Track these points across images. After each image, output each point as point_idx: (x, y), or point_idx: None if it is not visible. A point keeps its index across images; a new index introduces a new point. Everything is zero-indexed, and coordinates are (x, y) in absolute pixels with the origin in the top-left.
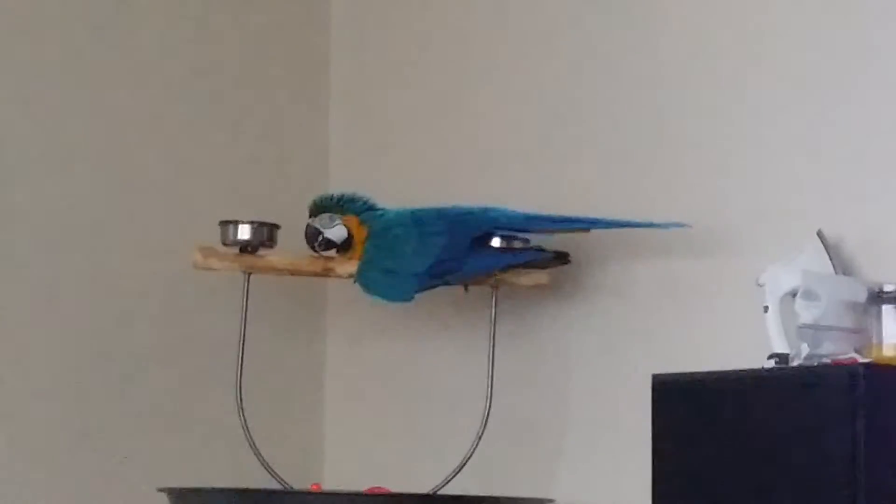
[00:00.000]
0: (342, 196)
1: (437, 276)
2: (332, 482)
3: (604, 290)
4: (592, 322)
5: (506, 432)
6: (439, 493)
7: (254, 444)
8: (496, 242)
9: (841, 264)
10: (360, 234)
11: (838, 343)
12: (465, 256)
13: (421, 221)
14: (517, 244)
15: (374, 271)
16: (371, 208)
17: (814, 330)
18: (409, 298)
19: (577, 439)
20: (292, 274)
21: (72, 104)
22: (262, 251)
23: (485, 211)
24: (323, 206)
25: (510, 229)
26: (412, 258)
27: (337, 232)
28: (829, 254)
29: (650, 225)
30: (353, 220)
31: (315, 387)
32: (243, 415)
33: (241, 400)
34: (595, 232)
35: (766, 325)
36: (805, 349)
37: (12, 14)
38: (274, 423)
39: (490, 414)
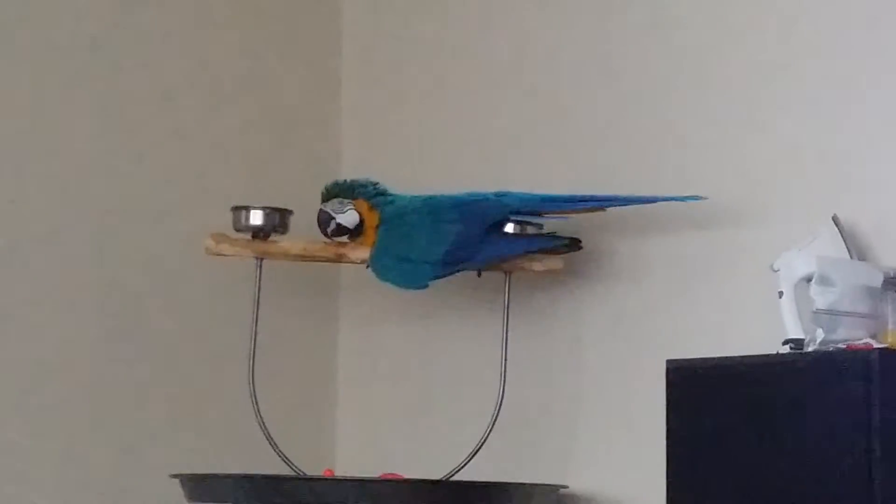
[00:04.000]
0: (352, 181)
1: (450, 263)
2: (345, 468)
3: (617, 276)
4: (606, 307)
5: (519, 418)
6: (452, 479)
7: (266, 429)
8: (510, 228)
9: (856, 249)
10: (371, 218)
11: (853, 328)
12: (479, 244)
13: (435, 209)
14: (530, 230)
15: (388, 258)
16: (381, 193)
17: (829, 315)
18: (423, 286)
19: (591, 425)
20: (305, 260)
21: (85, 91)
22: (274, 237)
23: (499, 197)
24: (333, 192)
25: (525, 213)
26: (426, 246)
27: (349, 217)
28: (844, 239)
29: (666, 199)
30: (363, 205)
31: (328, 373)
32: (256, 401)
33: (253, 386)
34: (608, 217)
35: (781, 311)
36: (820, 334)
37: (23, 2)
38: (286, 408)
39: (503, 400)
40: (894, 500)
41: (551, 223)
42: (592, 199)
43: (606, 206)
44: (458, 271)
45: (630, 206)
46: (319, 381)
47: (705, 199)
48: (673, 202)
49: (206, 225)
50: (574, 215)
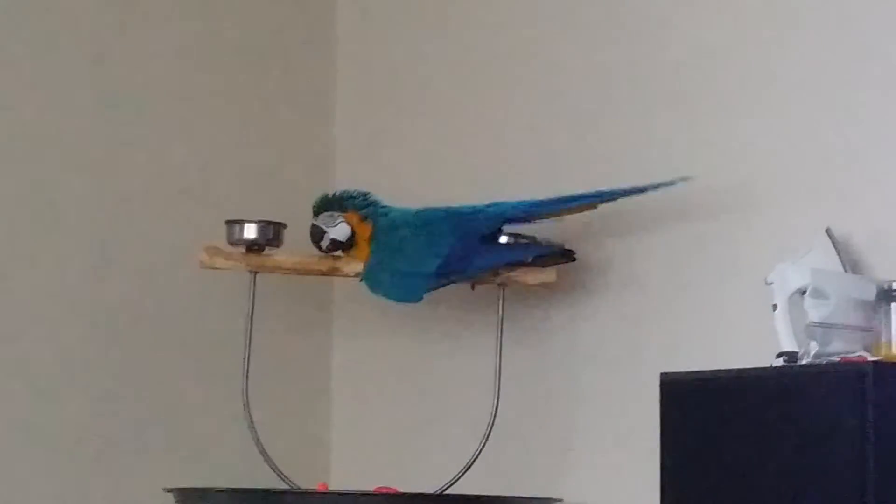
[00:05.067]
0: (341, 193)
1: (445, 276)
2: (339, 482)
3: (611, 289)
4: (600, 321)
5: (513, 431)
6: (447, 492)
7: (260, 443)
8: (503, 239)
9: (850, 262)
10: (363, 230)
11: (847, 341)
12: (473, 255)
13: (428, 222)
14: (523, 240)
15: (383, 272)
16: (371, 204)
17: (823, 328)
18: (417, 299)
19: (585, 438)
20: (299, 273)
21: (81, 103)
22: (268, 250)
23: (490, 207)
24: (323, 206)
25: (518, 220)
26: (421, 259)
27: (340, 230)
28: (837, 251)
29: (654, 187)
30: (353, 217)
31: (322, 386)
32: (250, 414)
33: (247, 399)
34: (601, 230)
35: (775, 324)
36: (814, 347)
37: (20, 12)
38: (280, 422)
39: (497, 413)
40: None
41: (545, 231)
42: (581, 197)
43: (597, 202)
44: (452, 282)
45: (624, 217)
46: (313, 394)
47: (691, 178)
48: (661, 201)
49: (199, 238)
50: (566, 217)
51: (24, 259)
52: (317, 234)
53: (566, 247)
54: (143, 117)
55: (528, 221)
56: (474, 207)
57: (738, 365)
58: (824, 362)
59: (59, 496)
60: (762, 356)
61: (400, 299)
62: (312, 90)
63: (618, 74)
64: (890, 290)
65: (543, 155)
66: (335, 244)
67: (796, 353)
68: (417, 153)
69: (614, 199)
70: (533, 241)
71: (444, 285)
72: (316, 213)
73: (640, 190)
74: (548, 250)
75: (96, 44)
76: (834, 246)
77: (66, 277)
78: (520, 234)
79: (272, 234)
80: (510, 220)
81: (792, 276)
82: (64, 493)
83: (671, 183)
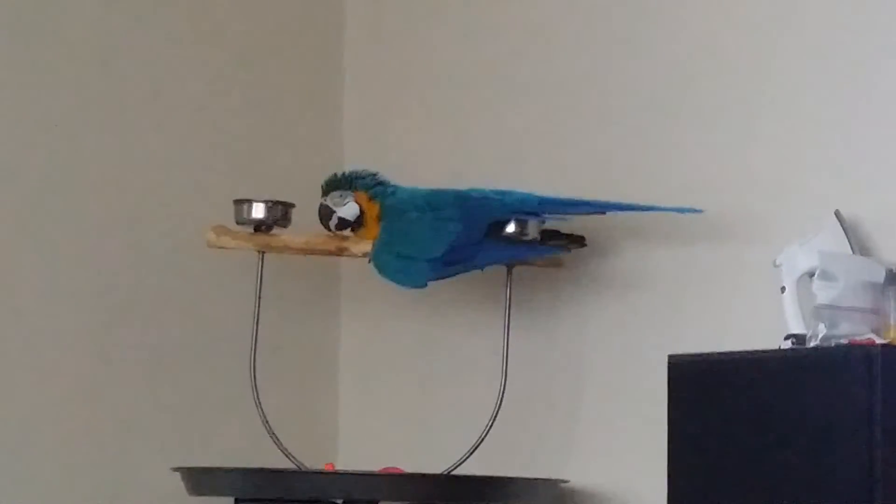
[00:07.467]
0: (350, 173)
1: (451, 263)
2: (346, 462)
3: (619, 271)
4: (608, 302)
5: (520, 413)
6: (453, 473)
7: (268, 423)
8: (511, 227)
9: (858, 245)
10: (371, 210)
11: (855, 324)
12: (480, 244)
13: (436, 206)
14: (531, 229)
15: (389, 255)
16: (380, 184)
17: (831, 310)
18: (422, 285)
19: (592, 420)
20: (307, 253)
21: (88, 85)
22: (276, 230)
23: (500, 196)
24: (332, 185)
25: (525, 214)
26: (427, 243)
27: (349, 210)
28: (846, 234)
29: (664, 209)
30: (362, 197)
31: (329, 366)
32: (257, 395)
33: (255, 379)
34: (611, 213)
35: (783, 306)
36: (822, 330)
37: (26, 8)
38: (288, 403)
39: (505, 394)
40: None
41: (553, 216)
42: (591, 204)
43: (606, 211)
44: (457, 273)
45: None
46: (321, 374)
47: (702, 211)
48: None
49: (207, 218)
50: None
51: (30, 240)
52: (325, 214)
53: (576, 232)
54: (150, 98)
55: (536, 216)
56: (483, 193)
57: (746, 347)
58: (832, 345)
59: (67, 478)
60: (770, 338)
61: (404, 284)
62: (321, 69)
63: (624, 70)
64: None
65: (553, 145)
66: (343, 223)
67: (804, 335)
68: (426, 133)
69: (623, 210)
70: (541, 227)
71: (449, 275)
72: (325, 193)
73: (651, 209)
74: (554, 251)
75: (103, 27)
76: (842, 228)
77: (73, 257)
78: (527, 221)
79: (280, 213)
80: (518, 213)
81: (800, 259)
82: (72, 475)
83: (683, 209)
